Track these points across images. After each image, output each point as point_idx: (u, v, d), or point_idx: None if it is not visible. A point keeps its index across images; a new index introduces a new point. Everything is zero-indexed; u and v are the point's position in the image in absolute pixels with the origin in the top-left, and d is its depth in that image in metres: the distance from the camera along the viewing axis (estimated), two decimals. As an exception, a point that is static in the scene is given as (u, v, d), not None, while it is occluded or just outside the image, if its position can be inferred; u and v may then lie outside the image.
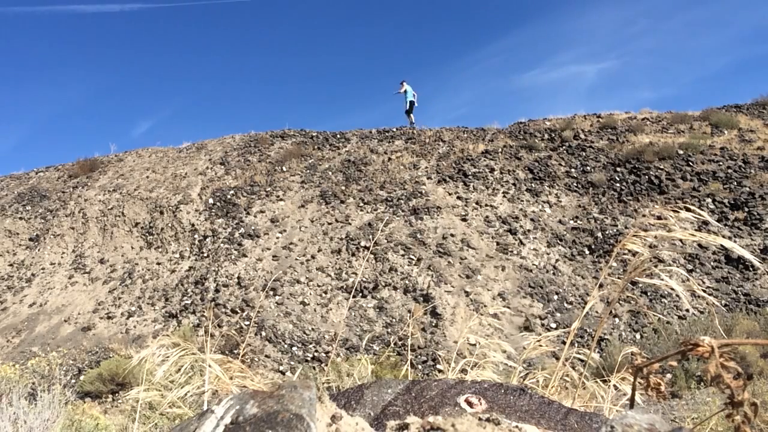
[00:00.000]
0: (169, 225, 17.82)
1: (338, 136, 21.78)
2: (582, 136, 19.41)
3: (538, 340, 2.49)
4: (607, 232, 14.87)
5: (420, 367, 10.97)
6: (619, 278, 1.92)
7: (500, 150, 19.38)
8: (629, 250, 1.89)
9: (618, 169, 17.35)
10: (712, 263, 13.23)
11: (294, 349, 12.18)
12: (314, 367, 11.04)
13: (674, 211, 1.78)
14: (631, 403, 1.18)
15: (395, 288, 13.55)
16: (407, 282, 13.61)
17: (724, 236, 9.57)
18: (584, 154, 18.45)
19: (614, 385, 2.42)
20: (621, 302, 12.24)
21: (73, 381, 11.11)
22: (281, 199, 17.94)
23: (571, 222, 15.69)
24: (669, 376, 7.84)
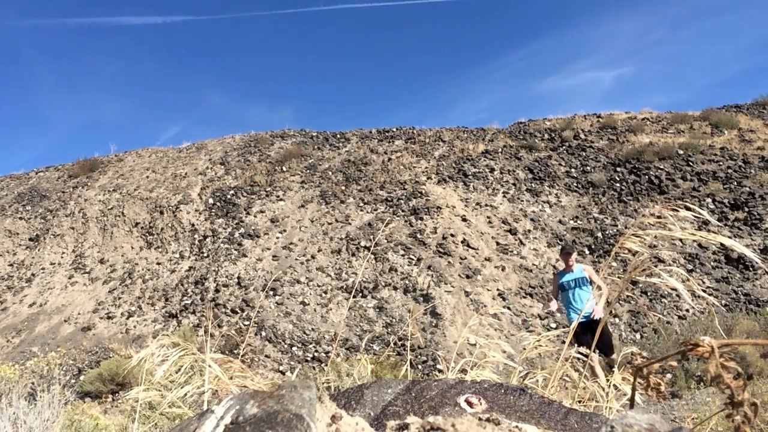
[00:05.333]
0: (169, 225, 17.81)
1: (338, 136, 21.77)
2: (582, 136, 19.41)
3: (538, 340, 2.49)
4: (607, 232, 14.87)
5: (420, 367, 10.96)
6: (619, 278, 1.92)
7: (500, 150, 19.38)
8: (629, 250, 1.89)
9: (618, 169, 17.34)
10: (712, 263, 13.23)
11: (294, 349, 12.17)
12: (314, 367, 11.03)
13: (673, 210, 1.77)
14: (631, 403, 1.18)
15: (395, 288, 13.54)
16: (407, 282, 13.60)
17: (724, 236, 9.55)
18: (584, 154, 18.45)
19: (614, 385, 2.42)
20: (621, 302, 12.23)
21: (72, 381, 11.10)
22: (281, 199, 17.93)
23: (571, 222, 15.69)
24: (669, 376, 7.83)
